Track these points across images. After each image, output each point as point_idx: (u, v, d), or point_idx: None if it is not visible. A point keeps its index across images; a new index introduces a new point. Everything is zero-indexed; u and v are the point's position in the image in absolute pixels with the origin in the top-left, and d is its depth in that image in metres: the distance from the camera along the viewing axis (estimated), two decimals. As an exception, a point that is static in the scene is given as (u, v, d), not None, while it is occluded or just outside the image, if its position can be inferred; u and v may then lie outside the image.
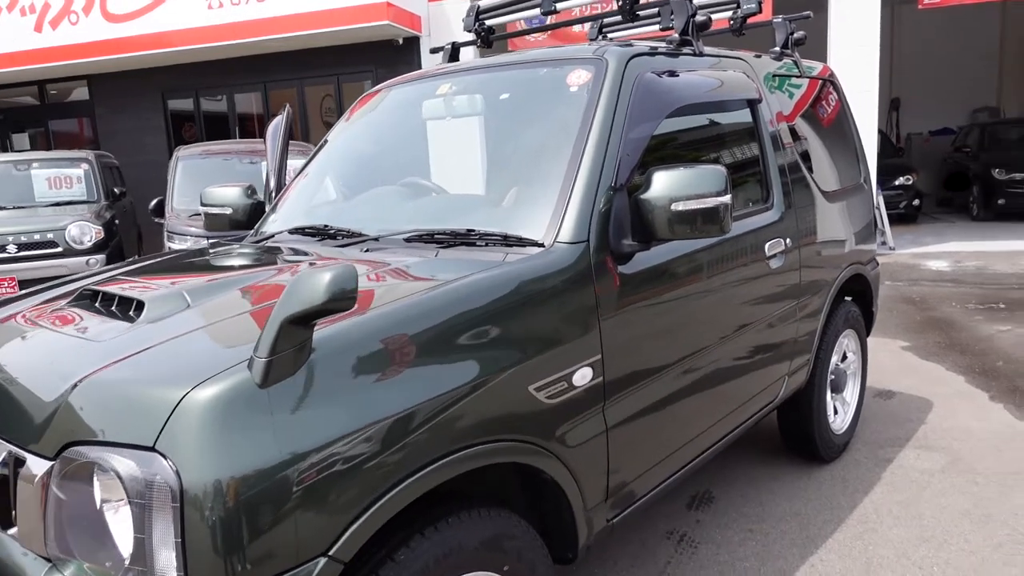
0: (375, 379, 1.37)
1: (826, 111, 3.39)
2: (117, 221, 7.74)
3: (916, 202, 11.10)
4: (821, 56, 6.36)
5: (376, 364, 1.38)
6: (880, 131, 10.36)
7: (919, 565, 2.55)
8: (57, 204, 7.70)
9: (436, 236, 1.99)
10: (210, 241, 2.70)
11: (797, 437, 3.26)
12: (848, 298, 3.47)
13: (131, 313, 1.63)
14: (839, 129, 3.46)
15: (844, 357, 3.48)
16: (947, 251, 8.92)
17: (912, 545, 2.67)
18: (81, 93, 12.17)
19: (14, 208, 7.57)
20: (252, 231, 2.72)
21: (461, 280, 1.61)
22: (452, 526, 1.49)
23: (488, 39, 3.02)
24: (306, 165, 2.83)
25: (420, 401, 1.41)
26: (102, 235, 7.11)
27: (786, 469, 3.33)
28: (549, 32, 9.01)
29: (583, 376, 1.77)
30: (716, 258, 2.28)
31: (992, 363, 4.70)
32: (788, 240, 2.72)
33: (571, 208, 1.87)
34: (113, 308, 1.71)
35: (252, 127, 11.52)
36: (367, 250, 2.01)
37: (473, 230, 1.94)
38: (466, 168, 2.41)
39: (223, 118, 11.74)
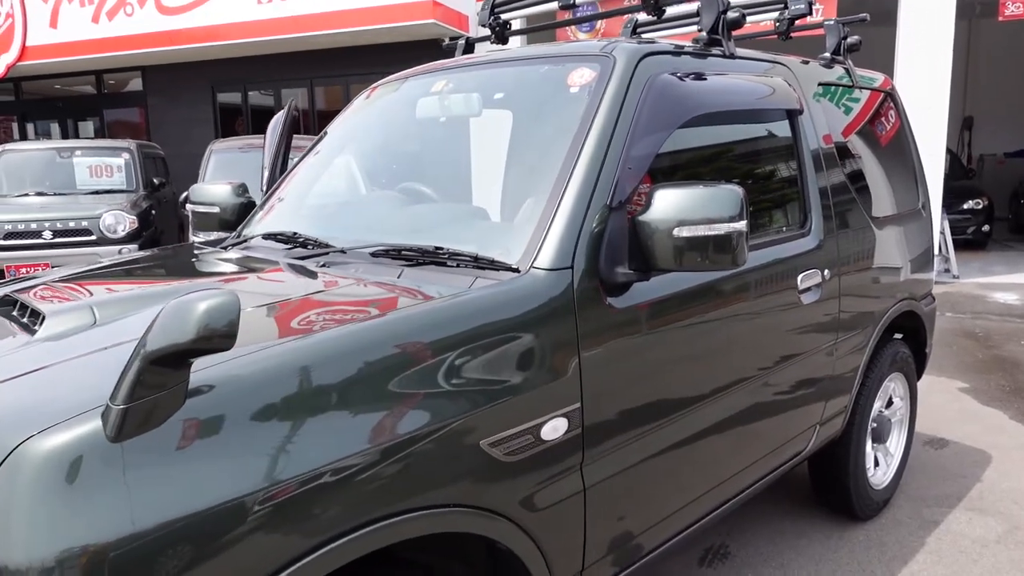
0: (274, 433, 1.12)
1: (884, 128, 3.02)
2: (154, 211, 7.75)
3: (986, 228, 10.38)
4: (888, 71, 5.92)
5: (277, 414, 1.13)
6: (949, 151, 9.73)
7: (963, 660, 2.18)
8: (96, 192, 7.75)
9: (403, 252, 1.74)
10: (197, 243, 2.51)
11: (830, 491, 2.89)
12: (898, 336, 3.09)
13: (36, 327, 1.43)
14: (897, 148, 3.08)
15: (889, 403, 3.09)
16: (1018, 283, 8.27)
17: (956, 633, 2.30)
18: (136, 84, 12.40)
19: (55, 195, 7.64)
20: (235, 233, 2.53)
21: (403, 312, 1.36)
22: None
23: (504, 34, 2.76)
24: (297, 163, 2.62)
25: (327, 462, 1.15)
26: (136, 225, 7.11)
27: (816, 525, 2.97)
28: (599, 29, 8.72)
29: (555, 428, 1.49)
30: (734, 290, 1.97)
31: (1062, 414, 4.21)
32: (826, 271, 2.38)
33: (555, 228, 1.60)
34: (24, 319, 1.51)
35: (298, 123, 11.52)
36: (324, 264, 1.77)
37: (441, 248, 1.68)
38: (460, 175, 2.16)
39: (270, 112, 11.79)
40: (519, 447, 1.42)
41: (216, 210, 2.68)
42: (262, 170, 2.93)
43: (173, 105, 11.92)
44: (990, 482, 3.35)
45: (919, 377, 3.29)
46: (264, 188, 2.87)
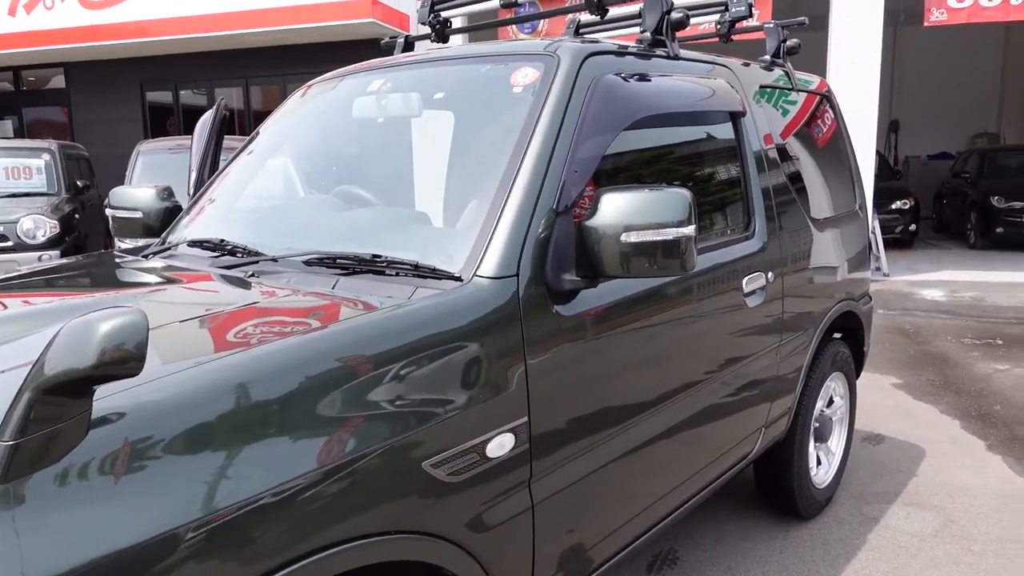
0: (192, 465, 1.02)
1: (821, 130, 3.06)
2: (77, 216, 7.37)
3: (912, 227, 10.81)
4: (821, 75, 6.09)
5: (195, 444, 1.03)
6: (878, 153, 10.08)
7: (907, 658, 2.20)
8: (14, 196, 7.31)
9: (339, 261, 1.64)
10: (118, 250, 2.35)
11: (774, 491, 2.91)
12: (837, 336, 3.13)
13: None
14: (834, 150, 3.13)
15: (830, 402, 3.14)
16: (943, 280, 8.62)
17: (899, 630, 2.32)
18: (58, 81, 11.80)
19: (-32, 198, 7.20)
20: (159, 240, 2.37)
21: (335, 326, 1.27)
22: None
23: (444, 33, 2.68)
24: (226, 166, 2.48)
25: (253, 494, 1.05)
26: (57, 229, 6.75)
27: (761, 526, 2.98)
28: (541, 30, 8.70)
29: (501, 445, 1.42)
30: (681, 295, 1.94)
31: (989, 407, 4.37)
32: (770, 274, 2.38)
33: (499, 234, 1.53)
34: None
35: (232, 124, 11.16)
36: (253, 274, 1.66)
37: (380, 256, 1.59)
38: (400, 178, 2.07)
39: (203, 112, 11.39)
40: (463, 466, 1.35)
41: (139, 215, 2.52)
42: (189, 172, 2.77)
43: (99, 104, 11.38)
44: (925, 477, 3.44)
45: (857, 376, 3.35)
46: (191, 191, 2.72)
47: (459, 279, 1.49)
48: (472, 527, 1.38)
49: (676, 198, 1.51)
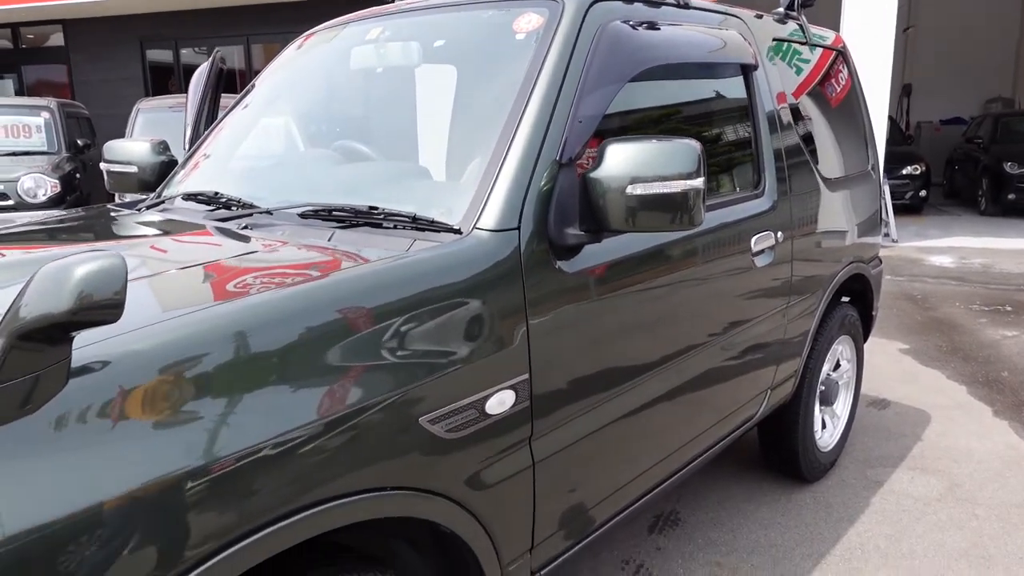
0: (179, 417, 0.98)
1: (835, 87, 2.97)
2: (79, 175, 7.31)
3: (923, 193, 10.67)
4: (833, 32, 5.90)
5: (182, 395, 0.99)
6: (890, 118, 9.90)
7: (908, 619, 2.20)
8: (13, 154, 7.24)
9: (334, 213, 1.59)
10: (112, 204, 2.30)
11: (779, 454, 2.89)
12: (845, 299, 3.08)
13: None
14: (848, 109, 3.04)
15: (837, 366, 3.10)
16: (952, 246, 8.52)
17: (901, 592, 2.32)
18: (57, 39, 11.63)
19: (-33, 157, 7.14)
20: (154, 194, 2.32)
21: (331, 277, 1.22)
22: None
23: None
24: (222, 118, 2.42)
25: (243, 447, 1.02)
26: (58, 188, 6.70)
27: (764, 488, 2.97)
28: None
29: (501, 402, 1.39)
30: (688, 253, 1.89)
31: (997, 373, 4.34)
32: (779, 234, 2.32)
33: (499, 186, 1.47)
34: None
35: (233, 83, 11.00)
36: (247, 226, 1.62)
37: (376, 208, 1.54)
38: (399, 131, 2.01)
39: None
40: (462, 423, 1.31)
41: (134, 169, 2.47)
42: (184, 127, 2.71)
43: (98, 62, 11.23)
44: (930, 441, 3.41)
45: (865, 340, 3.31)
46: (187, 146, 2.66)
47: (458, 232, 1.44)
48: (471, 484, 1.35)
49: (685, 149, 1.45)
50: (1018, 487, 2.98)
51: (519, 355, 1.42)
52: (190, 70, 11.30)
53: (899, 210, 9.94)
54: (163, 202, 2.08)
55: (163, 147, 2.54)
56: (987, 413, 3.76)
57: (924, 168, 10.64)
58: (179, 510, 0.95)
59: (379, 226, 1.52)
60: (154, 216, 1.90)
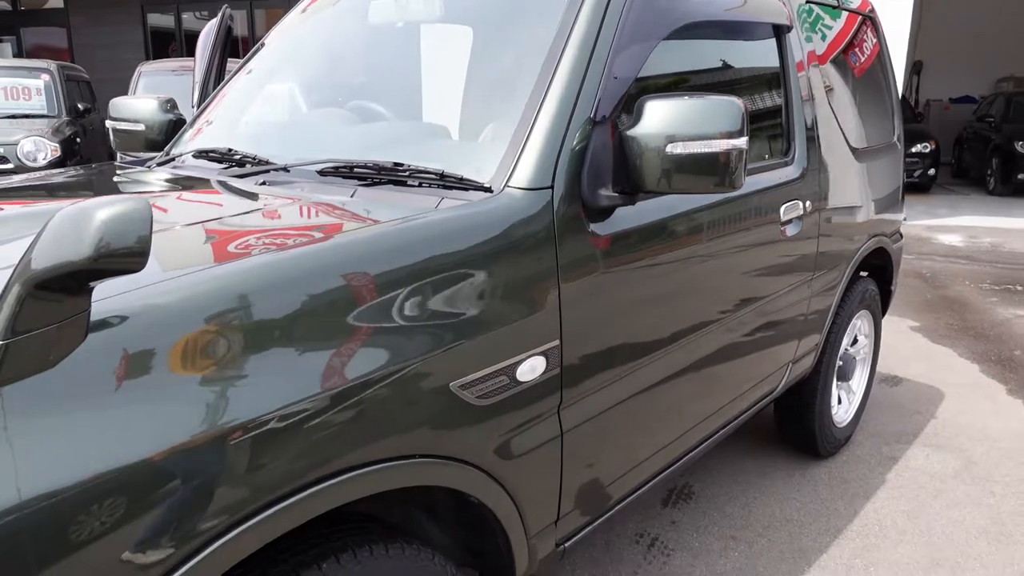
0: (205, 376, 0.92)
1: (863, 53, 2.88)
2: (79, 139, 7.20)
3: (932, 171, 10.55)
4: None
5: (208, 352, 0.93)
6: (901, 95, 9.76)
7: (928, 596, 2.17)
8: (13, 117, 7.12)
9: (356, 170, 1.52)
10: (120, 162, 2.23)
11: (795, 429, 2.85)
12: (863, 274, 3.02)
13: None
14: (875, 76, 2.95)
15: (854, 341, 3.05)
16: (961, 225, 8.45)
17: (920, 569, 2.29)
18: (57, 1, 11.41)
19: (-35, 119, 7.02)
20: (162, 152, 2.25)
21: (359, 234, 1.16)
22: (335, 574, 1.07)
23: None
24: (234, 75, 2.33)
25: (272, 409, 0.96)
26: (59, 153, 6.59)
27: (778, 464, 2.93)
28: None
29: (532, 368, 1.33)
30: (719, 220, 1.82)
31: (1009, 352, 4.29)
32: (808, 203, 2.26)
33: (532, 143, 1.40)
34: None
35: (236, 49, 10.81)
36: (263, 183, 1.55)
37: (401, 164, 1.47)
38: (422, 89, 1.92)
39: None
40: (492, 389, 1.26)
41: (141, 127, 2.39)
42: (193, 85, 2.62)
43: (98, 26, 11.03)
44: (944, 419, 3.38)
45: (883, 315, 3.25)
46: (196, 104, 2.57)
47: (488, 190, 1.37)
48: (500, 453, 1.30)
49: (728, 107, 1.38)
50: (1035, 466, 2.95)
51: (551, 320, 1.36)
52: (192, 35, 11.10)
53: (908, 188, 9.78)
54: (173, 160, 2.01)
55: (171, 105, 2.46)
56: (1001, 392, 3.72)
57: (934, 146, 10.51)
58: (201, 475, 0.90)
59: (403, 183, 1.46)
60: (166, 173, 1.82)
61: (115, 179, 1.84)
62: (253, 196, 1.47)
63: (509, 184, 1.36)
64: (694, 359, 1.83)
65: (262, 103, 2.16)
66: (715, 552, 2.36)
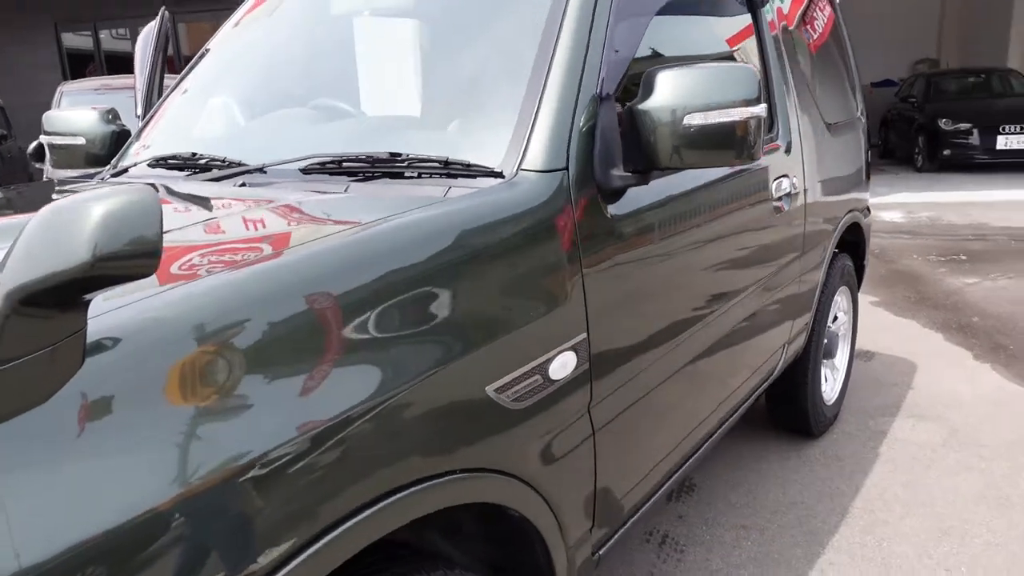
0: (229, 399, 0.78)
1: (819, 25, 2.87)
2: (-4, 168, 6.75)
3: (865, 152, 10.88)
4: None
5: (229, 370, 0.79)
6: (831, 78, 10.04)
7: (944, 566, 2.15)
8: (-79, 148, 6.63)
9: (345, 164, 1.38)
10: (60, 179, 2.02)
11: (787, 411, 2.82)
12: (837, 250, 3.02)
13: None
14: (834, 51, 2.95)
15: (835, 318, 3.04)
16: (898, 202, 8.72)
17: (931, 540, 2.27)
18: (-40, 23, 10.73)
19: None
20: (110, 166, 2.05)
21: (372, 228, 1.03)
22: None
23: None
24: (180, 80, 2.15)
25: (303, 431, 0.83)
26: (-24, 184, 6.14)
27: (772, 448, 2.90)
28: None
29: (564, 364, 1.23)
30: (725, 198, 1.75)
31: (967, 319, 4.40)
32: (795, 179, 2.22)
33: (541, 123, 1.30)
34: None
35: (175, 43, 10.37)
36: (243, 184, 1.40)
37: (399, 154, 1.34)
38: (399, 80, 1.80)
39: (126, 58, 10.55)
40: (528, 390, 1.15)
41: (81, 141, 2.19)
42: (135, 93, 2.42)
43: (9, 47, 10.41)
44: (921, 389, 3.42)
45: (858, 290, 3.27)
46: (141, 115, 2.37)
47: (500, 175, 1.26)
48: (538, 460, 1.18)
49: (744, 74, 1.31)
50: (1014, 426, 2.99)
51: (576, 311, 1.26)
52: (113, 57, 10.59)
53: (844, 170, 10.11)
54: (123, 172, 1.83)
55: (112, 115, 2.26)
56: (967, 357, 3.80)
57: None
58: (235, 517, 0.76)
59: (400, 176, 1.33)
60: (123, 183, 1.65)
61: (61, 196, 1.65)
62: (236, 198, 1.32)
63: (522, 167, 1.25)
64: (707, 344, 1.75)
65: (216, 107, 1.99)
66: (727, 544, 2.29)
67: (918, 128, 11.16)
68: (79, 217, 0.62)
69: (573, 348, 1.24)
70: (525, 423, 1.15)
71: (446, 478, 1.00)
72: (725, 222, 1.76)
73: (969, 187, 9.36)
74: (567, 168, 1.28)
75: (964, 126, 10.45)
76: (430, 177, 1.31)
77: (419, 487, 0.96)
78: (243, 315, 0.82)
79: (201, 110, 1.99)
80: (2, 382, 0.62)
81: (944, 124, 10.57)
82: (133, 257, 0.63)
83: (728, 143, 1.32)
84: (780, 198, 2.10)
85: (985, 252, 6.11)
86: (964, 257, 5.99)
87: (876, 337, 4.14)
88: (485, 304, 1.09)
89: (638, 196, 1.44)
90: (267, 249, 0.95)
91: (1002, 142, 10.17)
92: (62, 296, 0.62)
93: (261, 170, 1.47)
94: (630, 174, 1.37)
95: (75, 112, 2.21)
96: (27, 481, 0.64)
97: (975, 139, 10.30)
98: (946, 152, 10.57)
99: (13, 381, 0.63)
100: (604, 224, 1.33)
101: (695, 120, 1.30)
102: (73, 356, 0.67)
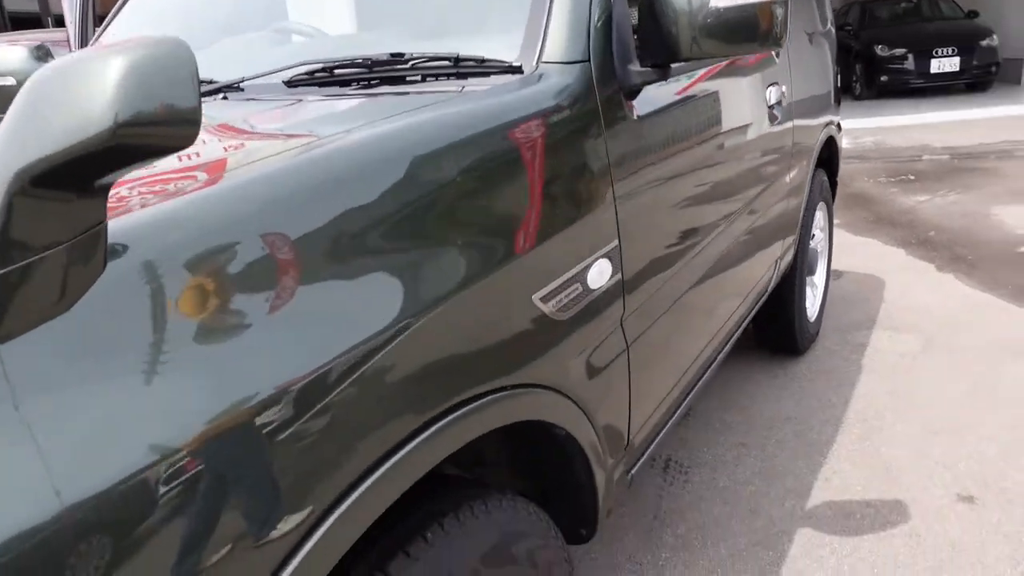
0: (243, 316, 0.66)
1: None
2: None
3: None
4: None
5: (244, 285, 0.67)
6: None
7: (943, 464, 2.19)
8: None
9: (337, 72, 1.24)
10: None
11: (775, 327, 2.82)
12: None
13: None
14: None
15: (813, 235, 3.04)
16: (843, 129, 8.85)
17: (925, 441, 2.31)
18: None
19: None
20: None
21: (397, 122, 0.90)
22: (443, 541, 0.85)
23: None
24: (113, 17, 1.93)
25: (357, 342, 0.72)
26: None
27: (758, 366, 2.91)
28: None
29: (600, 273, 1.14)
30: (731, 104, 1.67)
31: (925, 234, 4.50)
32: (783, 87, 2.15)
33: (558, 8, 1.18)
34: None
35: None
36: (225, 97, 1.24)
37: (401, 54, 1.21)
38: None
39: (34, 21, 9.79)
40: (569, 300, 1.06)
41: (11, 82, 1.96)
42: (68, 26, 2.18)
43: None
44: (892, 302, 3.48)
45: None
46: (75, 47, 2.14)
47: (519, 70, 1.14)
48: (581, 374, 1.11)
49: (768, -49, 1.21)
50: (985, 329, 3.07)
51: (608, 217, 1.17)
52: (18, 19, 9.78)
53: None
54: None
55: (44, 52, 2.03)
56: (931, 269, 3.88)
57: (804, 58, 10.92)
58: (290, 440, 0.65)
59: (402, 80, 1.20)
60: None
61: None
62: (228, 110, 1.17)
63: (542, 59, 1.14)
64: (719, 255, 1.70)
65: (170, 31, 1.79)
66: (730, 462, 2.29)
67: (855, 56, 11.29)
68: (96, 74, 0.49)
69: (607, 256, 1.16)
70: (569, 335, 1.06)
71: (500, 394, 0.91)
72: (733, 127, 1.68)
73: (907, 111, 9.55)
74: (589, 60, 1.17)
75: (899, 51, 10.61)
76: (436, 80, 1.18)
77: (473, 405, 0.87)
78: (279, 216, 0.70)
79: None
80: (16, 283, 0.49)
81: (880, 50, 10.72)
82: (166, 123, 0.50)
83: (752, 28, 1.23)
84: (773, 105, 2.04)
85: (930, 171, 6.26)
86: (912, 177, 6.12)
87: (841, 257, 4.20)
88: (523, 208, 0.99)
89: (655, 96, 1.34)
90: (292, 145, 0.82)
91: (935, 65, 10.38)
92: (78, 174, 0.50)
93: (238, 87, 1.31)
94: (649, 69, 1.27)
95: (2, 50, 1.98)
96: (58, 405, 0.52)
97: (910, 64, 10.48)
98: (883, 78, 10.74)
99: (29, 283, 0.50)
100: (627, 123, 1.24)
101: (722, 3, 1.20)
102: (94, 256, 0.54)
